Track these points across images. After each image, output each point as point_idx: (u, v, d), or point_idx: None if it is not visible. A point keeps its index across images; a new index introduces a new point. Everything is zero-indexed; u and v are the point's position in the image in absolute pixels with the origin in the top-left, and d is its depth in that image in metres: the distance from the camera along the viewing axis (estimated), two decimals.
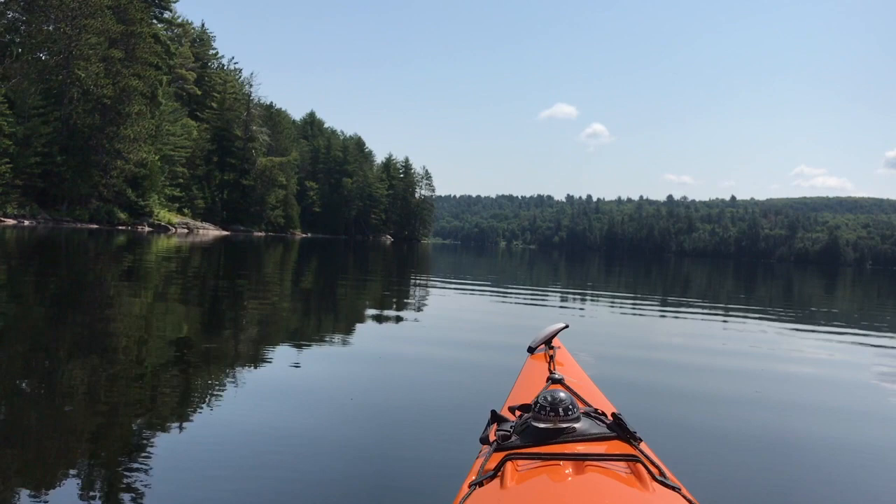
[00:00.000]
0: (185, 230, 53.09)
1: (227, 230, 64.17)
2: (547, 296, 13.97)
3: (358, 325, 7.65)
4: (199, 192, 64.59)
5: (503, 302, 11.96)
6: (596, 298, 13.92)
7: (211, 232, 57.45)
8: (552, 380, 2.07)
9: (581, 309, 11.49)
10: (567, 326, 2.79)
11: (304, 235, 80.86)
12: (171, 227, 50.88)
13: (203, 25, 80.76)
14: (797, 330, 9.77)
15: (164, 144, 53.98)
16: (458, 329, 7.73)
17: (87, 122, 45.32)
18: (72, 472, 2.65)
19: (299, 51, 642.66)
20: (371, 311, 9.08)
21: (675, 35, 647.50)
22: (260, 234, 68.38)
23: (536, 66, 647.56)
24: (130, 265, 15.03)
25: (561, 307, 11.56)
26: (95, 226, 43.87)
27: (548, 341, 2.64)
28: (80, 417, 3.34)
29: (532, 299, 12.90)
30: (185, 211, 60.29)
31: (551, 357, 2.42)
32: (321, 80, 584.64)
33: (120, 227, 45.57)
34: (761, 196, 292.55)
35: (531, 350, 2.67)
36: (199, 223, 59.11)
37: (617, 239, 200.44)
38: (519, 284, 17.34)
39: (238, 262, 20.05)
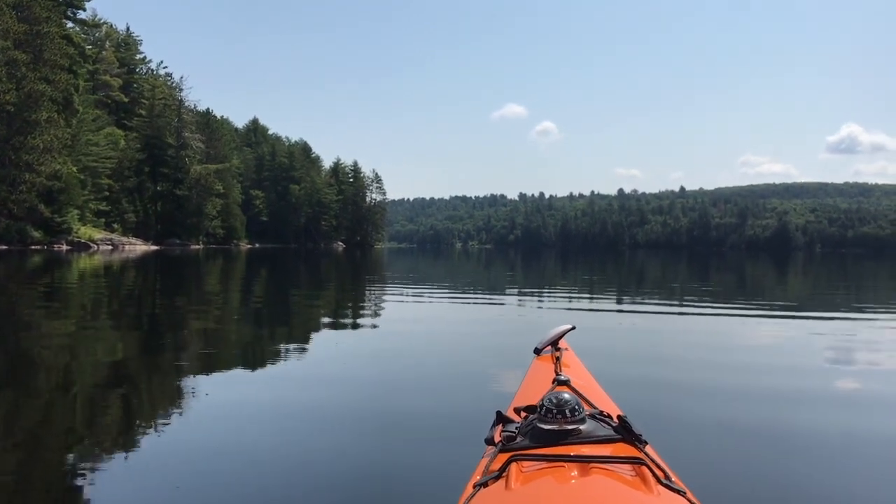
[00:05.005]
0: (109, 247, 48.44)
1: (159, 244, 59.55)
2: (517, 300, 11.70)
3: (334, 333, 7.42)
4: (129, 205, 60.18)
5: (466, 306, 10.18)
6: (584, 299, 12.21)
7: (139, 247, 52.76)
8: (558, 381, 2.02)
9: (572, 309, 10.48)
10: (574, 328, 2.68)
11: (250, 246, 76.41)
12: (92, 245, 46.27)
13: (128, 29, 75.94)
14: (805, 326, 8.85)
15: (84, 155, 49.48)
16: (441, 334, 7.55)
17: None
18: None
19: (240, 59, 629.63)
20: (331, 320, 8.88)
21: (619, 32, 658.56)
22: (198, 246, 63.76)
23: (485, 68, 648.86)
24: (48, 288, 13.58)
25: (551, 309, 10.79)
26: (5, 246, 39.43)
27: (554, 343, 2.59)
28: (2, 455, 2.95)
29: (504, 304, 10.70)
30: (115, 226, 55.80)
31: (557, 359, 2.39)
32: (263, 86, 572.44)
33: (34, 247, 41.19)
34: (710, 186, 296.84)
35: (537, 351, 2.64)
36: (125, 238, 54.40)
37: (571, 235, 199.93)
38: (492, 290, 14.73)
39: (167, 280, 18.05)
